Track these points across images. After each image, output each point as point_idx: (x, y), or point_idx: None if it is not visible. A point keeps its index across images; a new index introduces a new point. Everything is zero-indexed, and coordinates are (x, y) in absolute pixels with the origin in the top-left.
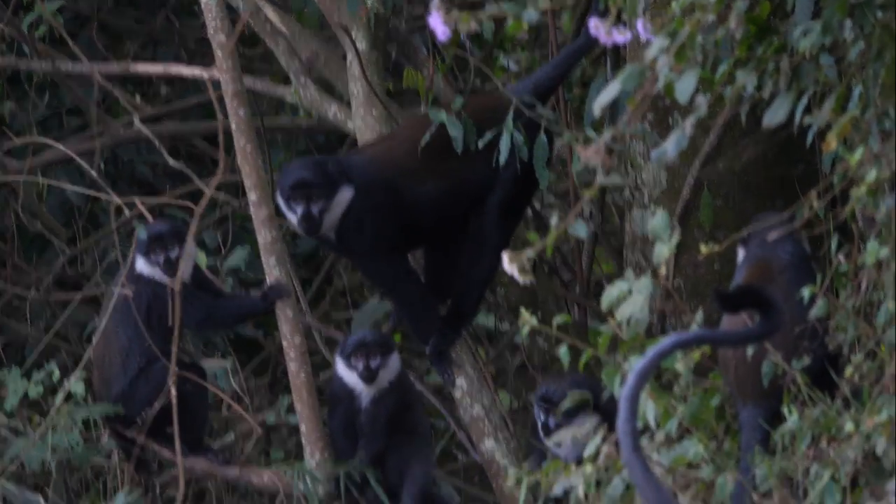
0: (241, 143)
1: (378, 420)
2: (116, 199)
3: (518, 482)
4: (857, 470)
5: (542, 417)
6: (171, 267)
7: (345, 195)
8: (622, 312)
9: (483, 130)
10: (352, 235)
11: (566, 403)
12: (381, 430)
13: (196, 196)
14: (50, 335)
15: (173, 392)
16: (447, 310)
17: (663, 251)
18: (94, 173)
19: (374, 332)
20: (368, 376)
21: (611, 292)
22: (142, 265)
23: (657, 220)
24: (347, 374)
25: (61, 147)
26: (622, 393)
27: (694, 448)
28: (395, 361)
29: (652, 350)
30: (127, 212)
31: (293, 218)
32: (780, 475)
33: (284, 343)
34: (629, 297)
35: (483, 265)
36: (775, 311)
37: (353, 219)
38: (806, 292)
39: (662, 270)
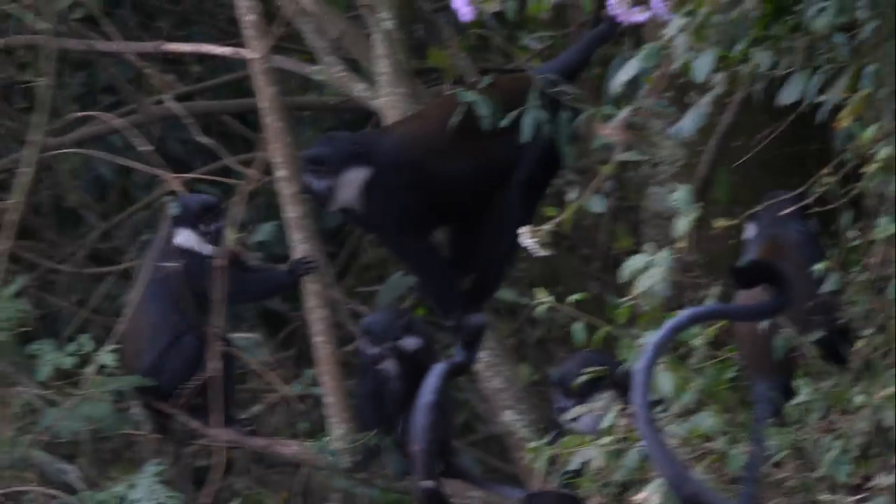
0: (270, 120)
1: (402, 392)
2: (158, 172)
3: (537, 454)
4: (868, 441)
5: (559, 400)
6: (217, 238)
7: (358, 173)
8: (641, 284)
9: (510, 110)
10: (376, 213)
11: (580, 382)
12: (405, 401)
13: (226, 172)
14: (84, 311)
15: (211, 366)
16: (469, 285)
17: (683, 225)
18: (139, 145)
19: (388, 313)
20: (374, 358)
21: (631, 264)
22: (183, 237)
23: (680, 194)
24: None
25: (106, 117)
26: (638, 365)
27: (708, 420)
28: (412, 340)
29: (668, 324)
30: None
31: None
32: (793, 447)
33: (310, 316)
34: (648, 270)
35: (505, 241)
36: (788, 286)
37: (377, 197)
38: (819, 267)
39: (682, 244)
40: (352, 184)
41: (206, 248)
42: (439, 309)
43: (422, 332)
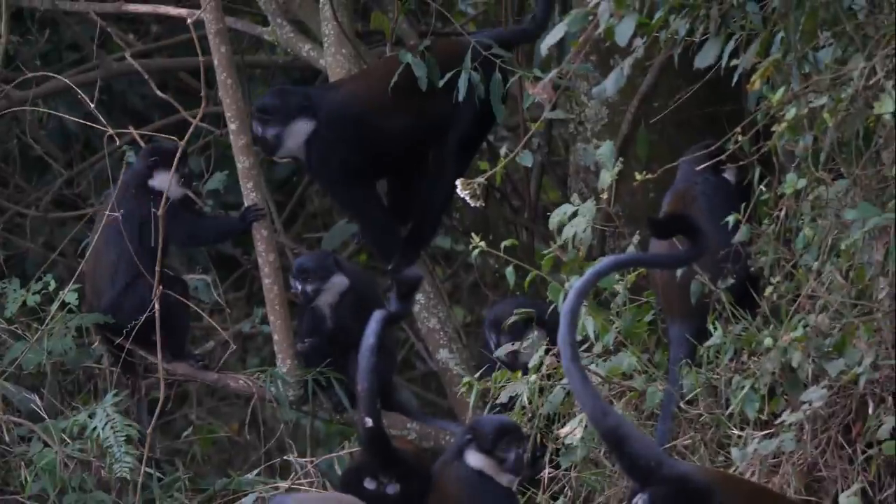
0: (223, 77)
1: (341, 329)
2: (109, 130)
3: (469, 389)
4: (775, 381)
5: (494, 338)
6: (189, 183)
7: (302, 126)
8: (567, 232)
9: (447, 71)
10: (319, 163)
11: (511, 322)
12: (340, 336)
13: (183, 126)
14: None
15: (157, 306)
16: (407, 232)
17: (606, 178)
18: (91, 105)
19: (311, 257)
20: (305, 300)
21: (558, 214)
22: (159, 180)
23: (603, 150)
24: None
25: (63, 79)
26: (563, 308)
27: (628, 360)
28: (336, 282)
29: (591, 270)
30: (117, 141)
31: None
32: (705, 385)
33: (260, 260)
34: (574, 220)
35: (441, 192)
36: (702, 237)
37: (319, 148)
38: (731, 219)
39: (604, 195)
40: (297, 134)
41: (178, 192)
42: (379, 254)
43: (349, 272)
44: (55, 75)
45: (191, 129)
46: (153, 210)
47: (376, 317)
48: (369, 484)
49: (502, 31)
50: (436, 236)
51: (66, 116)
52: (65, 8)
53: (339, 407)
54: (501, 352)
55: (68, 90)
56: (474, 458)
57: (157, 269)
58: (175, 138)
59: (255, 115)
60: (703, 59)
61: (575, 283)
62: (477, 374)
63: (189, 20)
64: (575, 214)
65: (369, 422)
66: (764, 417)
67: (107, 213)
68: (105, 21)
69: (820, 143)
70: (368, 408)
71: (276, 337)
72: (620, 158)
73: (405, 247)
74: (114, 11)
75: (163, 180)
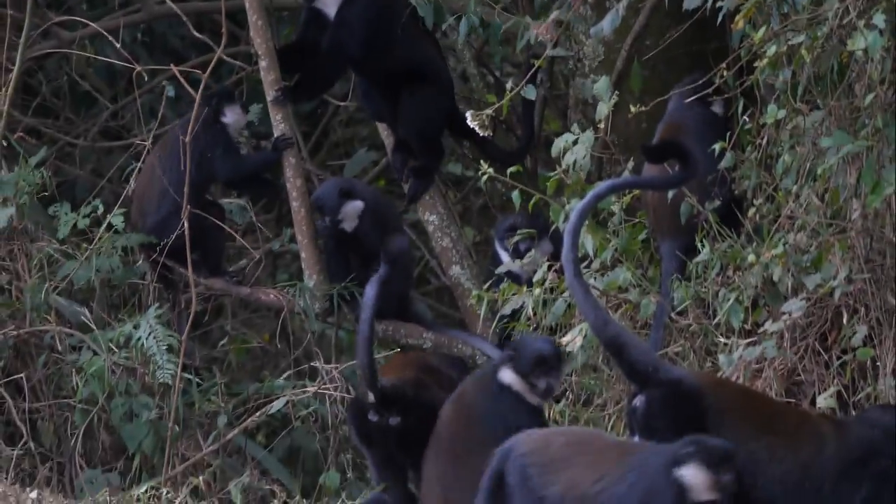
0: (254, 18)
1: (361, 245)
2: (137, 67)
3: (479, 301)
4: (758, 293)
5: (508, 245)
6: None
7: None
8: (568, 159)
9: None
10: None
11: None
12: (364, 252)
13: (217, 64)
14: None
15: (186, 226)
16: (416, 163)
17: (603, 110)
18: (117, 45)
19: (322, 191)
20: (327, 231)
21: (559, 143)
22: (232, 119)
23: (600, 84)
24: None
25: (94, 25)
26: (566, 228)
27: (623, 275)
28: (349, 208)
29: (590, 193)
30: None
31: None
32: (694, 297)
33: (288, 185)
34: (574, 148)
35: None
36: (692, 161)
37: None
38: (717, 147)
39: (601, 126)
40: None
41: (243, 123)
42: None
43: (364, 194)
44: (87, 21)
45: (214, 60)
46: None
47: (371, 286)
48: (372, 416)
49: None
50: (440, 161)
51: (99, 58)
52: None
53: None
54: (505, 267)
55: (115, 30)
56: (508, 376)
57: (186, 190)
58: (201, 73)
59: None
60: (691, 2)
61: (576, 206)
62: (485, 287)
63: None
64: (575, 143)
65: (371, 397)
66: (748, 327)
67: (166, 142)
68: None
69: (798, 77)
70: (368, 380)
71: (303, 254)
72: (616, 92)
73: (416, 175)
74: None
75: (233, 113)
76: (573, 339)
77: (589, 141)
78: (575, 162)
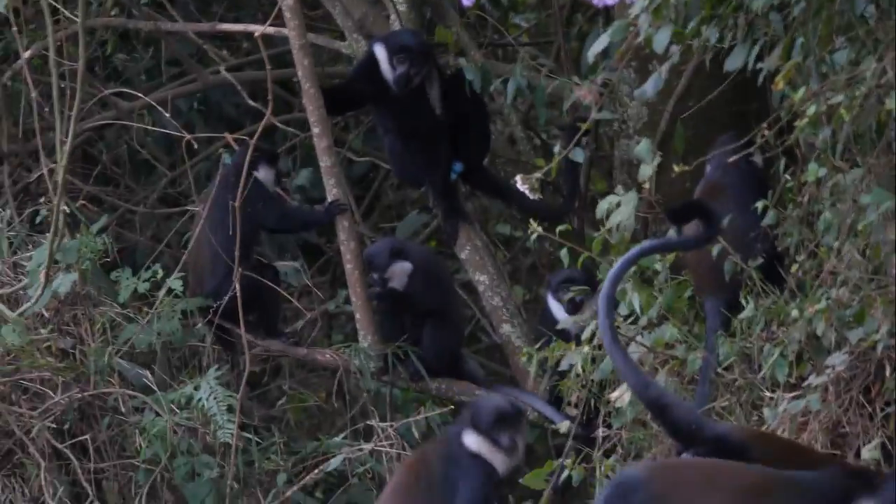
0: (307, 87)
1: (416, 305)
2: (186, 136)
3: (529, 359)
4: (801, 348)
5: (561, 298)
6: (280, 176)
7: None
8: (613, 219)
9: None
10: None
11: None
12: (416, 312)
13: (271, 130)
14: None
15: (237, 287)
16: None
17: (647, 171)
18: (166, 115)
19: (373, 250)
20: (377, 288)
21: (604, 203)
22: (263, 174)
23: (642, 146)
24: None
25: (145, 97)
26: (600, 296)
27: (670, 331)
28: (398, 268)
29: (621, 259)
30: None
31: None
32: (739, 353)
33: (342, 248)
34: (618, 208)
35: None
36: (714, 220)
37: None
38: (759, 205)
39: (646, 186)
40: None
41: (274, 182)
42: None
43: (415, 255)
44: (139, 94)
45: (261, 126)
46: (253, 196)
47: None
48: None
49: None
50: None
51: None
52: (166, 28)
53: (415, 376)
54: (562, 325)
55: (172, 101)
56: (470, 437)
57: (236, 250)
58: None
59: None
60: (731, 63)
61: (608, 273)
62: (536, 346)
63: (256, 34)
64: (619, 203)
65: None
66: (792, 381)
67: (208, 204)
68: (201, 39)
69: (837, 136)
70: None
71: (357, 315)
72: (659, 152)
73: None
74: (209, 31)
75: (265, 170)
76: (621, 395)
77: (633, 201)
78: (620, 222)
